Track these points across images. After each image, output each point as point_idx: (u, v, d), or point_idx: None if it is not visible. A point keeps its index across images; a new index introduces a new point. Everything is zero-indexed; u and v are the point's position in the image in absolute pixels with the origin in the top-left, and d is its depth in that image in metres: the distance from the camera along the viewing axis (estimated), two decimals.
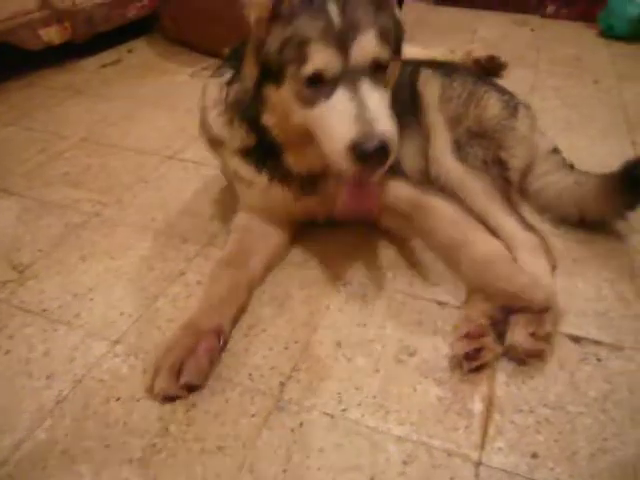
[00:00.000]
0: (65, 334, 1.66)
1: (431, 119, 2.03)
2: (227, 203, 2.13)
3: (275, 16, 1.43)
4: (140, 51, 4.02)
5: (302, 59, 1.40)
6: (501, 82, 2.38)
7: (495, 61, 3.48)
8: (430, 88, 2.07)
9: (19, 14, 3.34)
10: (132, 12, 3.97)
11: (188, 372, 1.45)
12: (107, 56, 3.88)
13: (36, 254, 1.98)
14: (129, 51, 4.00)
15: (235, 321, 1.67)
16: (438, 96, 2.05)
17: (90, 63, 3.77)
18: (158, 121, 2.95)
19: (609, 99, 3.26)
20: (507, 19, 4.75)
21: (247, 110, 1.63)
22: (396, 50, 1.53)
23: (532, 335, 1.52)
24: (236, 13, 3.50)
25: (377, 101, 1.41)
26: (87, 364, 1.56)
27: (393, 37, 1.50)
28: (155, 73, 3.64)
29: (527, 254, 1.78)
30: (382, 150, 1.37)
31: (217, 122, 1.78)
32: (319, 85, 1.42)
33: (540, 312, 1.54)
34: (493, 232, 1.84)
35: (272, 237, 1.88)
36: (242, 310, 1.71)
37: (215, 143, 1.86)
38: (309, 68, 1.40)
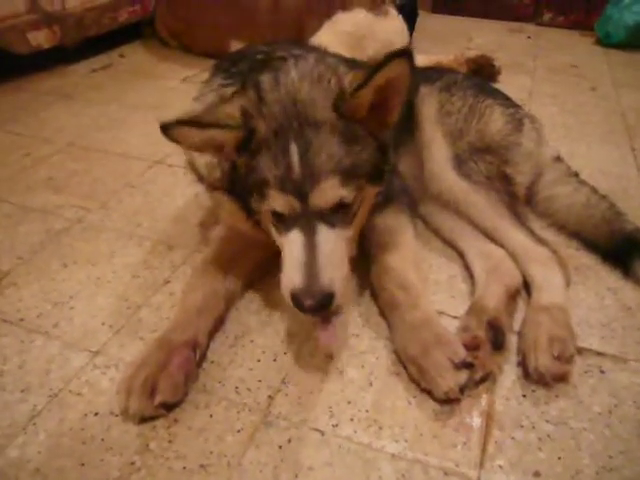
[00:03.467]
0: (42, 345, 1.58)
1: (428, 135, 1.95)
2: (215, 209, 2.04)
3: (242, 148, 1.37)
4: (132, 56, 3.97)
5: (263, 196, 1.36)
6: (498, 88, 2.32)
7: (487, 60, 3.47)
8: (428, 104, 2.00)
9: (7, 17, 3.29)
10: (123, 16, 3.93)
11: (162, 390, 1.36)
12: (98, 61, 3.83)
13: (15, 261, 1.90)
14: (121, 56, 3.95)
15: (213, 332, 1.59)
16: (436, 111, 1.97)
17: (80, 68, 3.72)
18: (147, 126, 2.88)
19: (607, 106, 3.22)
20: (503, 27, 4.75)
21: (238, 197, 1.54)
22: (374, 177, 1.45)
23: (557, 358, 1.45)
24: None
25: (330, 247, 1.35)
26: (64, 377, 1.48)
27: (369, 168, 1.42)
28: (146, 78, 3.59)
29: (540, 269, 1.71)
30: (323, 302, 1.32)
31: (205, 170, 1.67)
32: (281, 218, 1.38)
33: (438, 401, 1.42)
34: (503, 247, 1.80)
35: (253, 249, 1.78)
36: (221, 321, 1.64)
37: (202, 179, 1.76)
38: (268, 206, 1.37)
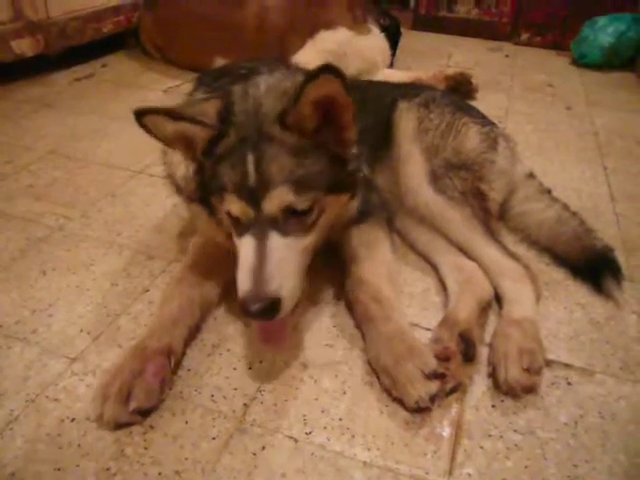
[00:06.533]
0: (21, 351, 1.59)
1: (406, 150, 1.99)
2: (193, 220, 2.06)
3: (209, 151, 1.41)
4: (115, 66, 3.98)
5: (222, 200, 1.41)
6: (475, 105, 2.38)
7: (465, 78, 3.54)
8: (406, 120, 2.04)
9: None
10: (108, 27, 3.95)
11: (137, 396, 1.38)
12: (81, 70, 3.84)
13: None
14: (103, 66, 3.96)
15: (188, 340, 1.61)
16: (413, 127, 2.01)
17: (63, 77, 3.72)
18: (129, 136, 2.90)
19: (581, 125, 3.30)
20: (482, 45, 4.84)
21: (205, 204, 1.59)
22: (334, 188, 1.48)
23: (526, 370, 1.49)
24: (238, 17, 3.54)
25: (280, 254, 1.38)
26: (42, 383, 1.49)
27: (325, 180, 1.44)
28: (129, 88, 3.60)
29: (512, 283, 1.76)
30: (270, 308, 1.34)
31: (183, 182, 1.71)
32: (237, 222, 1.43)
33: (409, 410, 1.45)
34: (476, 262, 1.84)
35: (228, 258, 1.80)
36: (196, 329, 1.66)
37: (180, 191, 1.80)
38: (225, 209, 1.42)
